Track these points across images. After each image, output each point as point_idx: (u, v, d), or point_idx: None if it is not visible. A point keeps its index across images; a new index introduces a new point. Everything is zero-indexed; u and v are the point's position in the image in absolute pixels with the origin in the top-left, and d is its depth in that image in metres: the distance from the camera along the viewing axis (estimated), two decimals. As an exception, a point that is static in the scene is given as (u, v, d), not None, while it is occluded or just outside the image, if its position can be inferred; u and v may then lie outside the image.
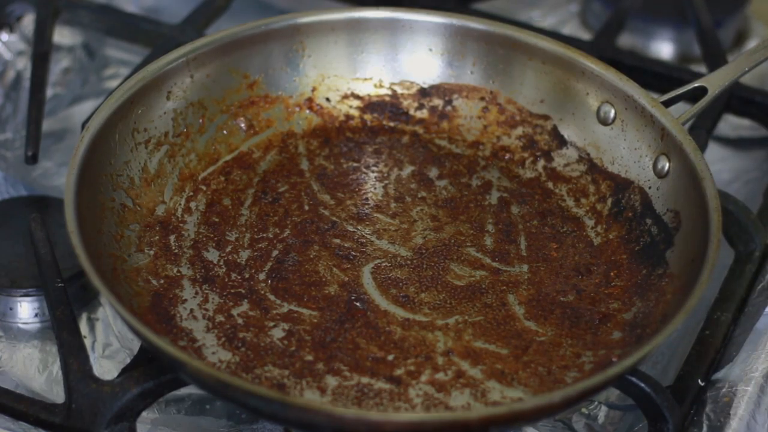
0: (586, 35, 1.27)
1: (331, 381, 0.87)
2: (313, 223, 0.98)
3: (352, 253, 0.96)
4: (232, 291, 0.93)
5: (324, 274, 0.94)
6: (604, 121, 1.01)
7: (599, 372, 0.85)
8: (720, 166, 1.16)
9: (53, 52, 1.17)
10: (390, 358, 0.89)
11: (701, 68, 1.17)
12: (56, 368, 0.95)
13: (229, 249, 0.96)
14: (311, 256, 0.96)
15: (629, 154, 1.00)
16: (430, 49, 1.06)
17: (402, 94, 1.07)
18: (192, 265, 0.94)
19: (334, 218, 0.99)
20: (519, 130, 1.05)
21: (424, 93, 1.07)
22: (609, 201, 1.00)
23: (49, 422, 0.85)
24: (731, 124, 1.19)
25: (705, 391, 0.91)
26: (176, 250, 0.95)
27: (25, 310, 0.98)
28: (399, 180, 1.03)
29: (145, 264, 0.94)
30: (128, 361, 0.89)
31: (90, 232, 0.89)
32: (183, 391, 0.89)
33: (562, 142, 1.03)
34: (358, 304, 0.92)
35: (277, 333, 0.90)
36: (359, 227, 0.99)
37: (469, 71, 1.06)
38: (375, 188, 1.02)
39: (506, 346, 0.90)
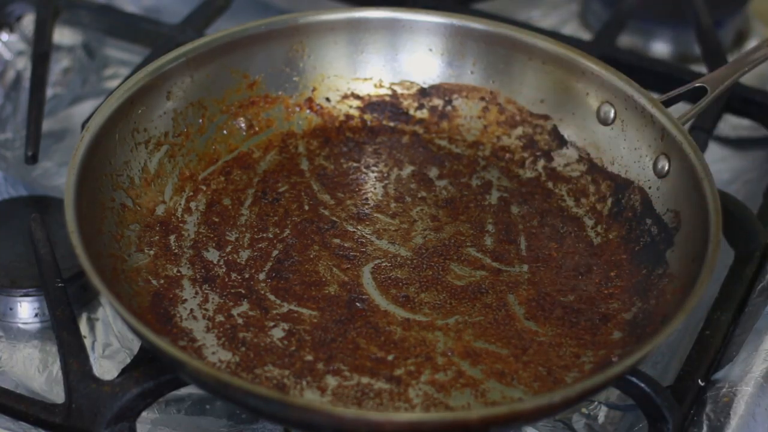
0: (586, 35, 1.27)
1: (331, 381, 0.87)
2: (313, 223, 0.98)
3: (352, 253, 0.96)
4: (232, 291, 0.93)
5: (324, 274, 0.94)
6: (604, 121, 1.01)
7: (599, 372, 0.85)
8: (720, 166, 1.16)
9: (53, 52, 1.17)
10: (390, 358, 0.89)
11: (701, 68, 1.17)
12: (56, 368, 0.95)
13: (229, 249, 0.96)
14: (311, 256, 0.96)
15: (629, 154, 1.00)
16: (430, 49, 1.06)
17: (402, 94, 1.07)
18: (192, 265, 0.94)
19: (334, 218, 0.99)
20: (519, 130, 1.05)
21: (424, 93, 1.07)
22: (609, 201, 1.00)
23: (49, 422, 0.85)
24: (731, 124, 1.19)
25: (705, 391, 0.91)
26: (176, 250, 0.95)
27: (25, 310, 0.98)
28: (399, 180, 1.03)
29: (145, 264, 0.94)
30: (128, 361, 0.89)
31: (90, 232, 0.89)
32: (183, 391, 0.89)
33: (562, 142, 1.03)
34: (358, 304, 0.92)
35: (277, 333, 0.90)
36: (359, 227, 0.99)
37: (469, 71, 1.06)
38: (375, 188, 1.02)
39: (506, 346, 0.90)
